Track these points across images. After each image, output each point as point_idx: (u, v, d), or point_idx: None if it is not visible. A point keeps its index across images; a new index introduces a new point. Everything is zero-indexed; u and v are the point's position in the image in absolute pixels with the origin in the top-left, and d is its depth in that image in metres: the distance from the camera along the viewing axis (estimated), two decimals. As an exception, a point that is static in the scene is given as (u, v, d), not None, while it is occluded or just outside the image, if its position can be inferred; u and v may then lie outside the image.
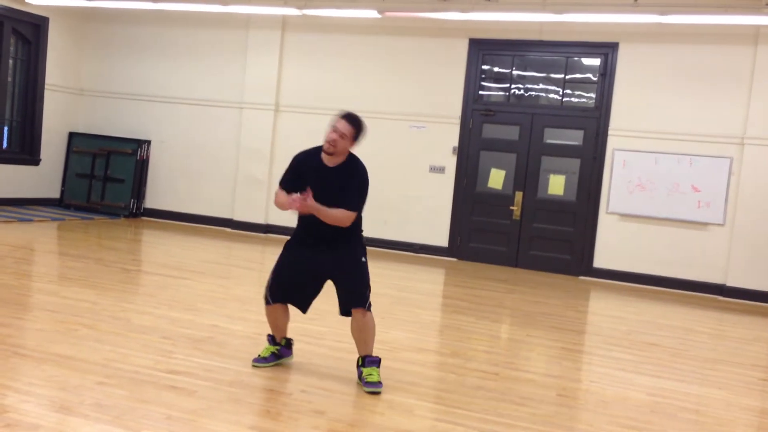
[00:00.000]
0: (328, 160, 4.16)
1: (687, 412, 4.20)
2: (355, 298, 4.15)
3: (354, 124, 4.12)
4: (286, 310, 4.36)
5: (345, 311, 4.24)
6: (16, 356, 4.10)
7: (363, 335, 4.17)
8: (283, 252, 4.34)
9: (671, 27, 8.82)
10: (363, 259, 4.24)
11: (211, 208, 11.27)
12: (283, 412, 3.64)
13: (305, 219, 4.21)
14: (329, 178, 4.13)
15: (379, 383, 4.05)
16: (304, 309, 4.37)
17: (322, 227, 4.11)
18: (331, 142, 4.08)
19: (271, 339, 4.41)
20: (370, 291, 4.20)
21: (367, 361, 4.14)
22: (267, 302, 4.32)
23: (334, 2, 9.85)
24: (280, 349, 4.39)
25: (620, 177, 9.26)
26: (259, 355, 4.39)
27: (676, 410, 4.22)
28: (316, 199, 4.03)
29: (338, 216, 4.07)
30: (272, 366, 4.34)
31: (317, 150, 4.22)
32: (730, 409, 4.35)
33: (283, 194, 4.19)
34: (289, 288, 4.27)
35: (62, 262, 7.59)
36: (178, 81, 11.44)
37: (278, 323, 4.36)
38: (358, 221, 4.22)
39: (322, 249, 4.18)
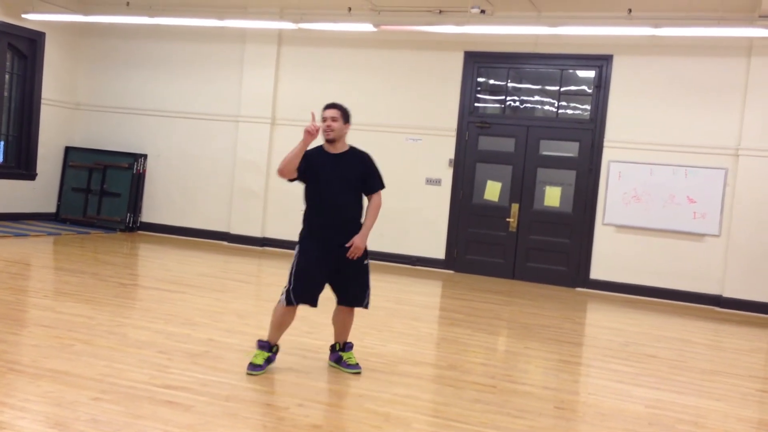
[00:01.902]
0: (333, 149, 4.50)
1: (685, 424, 4.19)
2: (358, 299, 4.59)
3: (337, 106, 4.54)
4: (295, 313, 4.52)
5: (344, 304, 4.62)
6: (11, 372, 4.08)
7: (348, 325, 4.67)
8: (301, 251, 4.46)
9: (665, 39, 8.88)
10: (366, 261, 4.56)
11: (207, 221, 11.26)
12: (279, 426, 3.62)
13: (322, 211, 4.44)
14: (341, 164, 4.49)
15: (359, 365, 4.61)
16: (316, 304, 4.51)
17: (340, 216, 4.42)
18: (327, 129, 4.43)
19: (267, 345, 4.50)
20: (370, 290, 4.63)
21: (347, 346, 4.68)
22: (289, 302, 4.40)
23: (330, 16, 9.89)
24: (271, 356, 4.51)
25: (616, 188, 9.29)
26: (252, 363, 4.44)
27: (674, 422, 4.21)
28: (332, 186, 4.39)
29: (374, 209, 4.51)
30: (264, 374, 4.41)
31: (318, 147, 4.52)
32: (727, 420, 4.35)
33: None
34: (314, 287, 4.43)
35: (58, 276, 7.57)
36: (174, 95, 11.46)
37: (286, 325, 4.51)
38: (362, 208, 4.56)
39: (337, 242, 4.40)
